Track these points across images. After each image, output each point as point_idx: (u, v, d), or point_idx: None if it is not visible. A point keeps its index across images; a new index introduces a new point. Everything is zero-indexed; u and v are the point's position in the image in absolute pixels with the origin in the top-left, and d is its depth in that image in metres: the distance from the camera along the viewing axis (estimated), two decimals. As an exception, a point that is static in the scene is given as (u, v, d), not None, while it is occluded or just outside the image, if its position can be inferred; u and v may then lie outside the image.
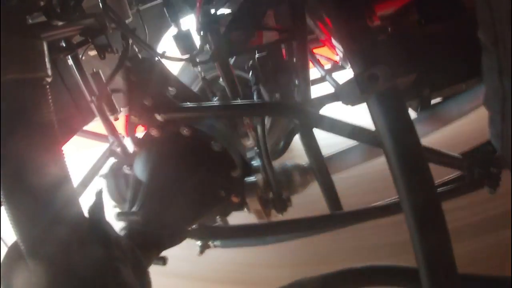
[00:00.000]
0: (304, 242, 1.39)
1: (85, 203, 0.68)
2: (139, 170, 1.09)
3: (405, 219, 0.59)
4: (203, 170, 1.05)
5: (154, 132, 1.07)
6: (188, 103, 1.10)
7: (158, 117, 1.04)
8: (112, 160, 1.76)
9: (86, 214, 0.65)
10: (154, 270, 0.79)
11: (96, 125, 1.85)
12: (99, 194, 0.68)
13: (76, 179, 1.48)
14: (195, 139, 1.06)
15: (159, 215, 0.93)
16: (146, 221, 0.88)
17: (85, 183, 1.69)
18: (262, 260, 1.91)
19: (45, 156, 0.58)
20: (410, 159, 0.58)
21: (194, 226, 1.10)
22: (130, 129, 1.12)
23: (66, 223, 0.58)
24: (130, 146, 1.42)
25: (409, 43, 1.36)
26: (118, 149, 1.74)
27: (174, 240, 0.95)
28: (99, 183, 1.25)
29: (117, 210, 1.14)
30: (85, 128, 1.84)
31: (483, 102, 0.91)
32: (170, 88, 1.10)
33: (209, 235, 1.09)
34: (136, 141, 1.12)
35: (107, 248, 0.64)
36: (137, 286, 0.66)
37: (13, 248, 0.58)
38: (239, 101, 1.23)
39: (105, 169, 1.26)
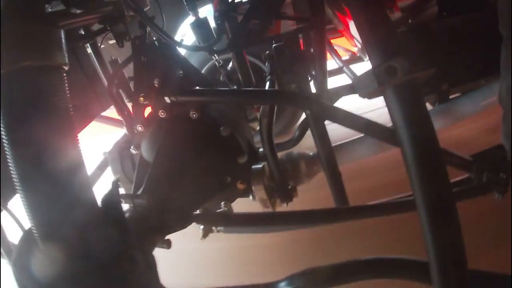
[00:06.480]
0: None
1: (101, 188, 0.68)
2: (146, 151, 1.08)
3: (418, 213, 0.58)
4: (210, 155, 1.05)
5: (161, 114, 1.06)
6: (198, 87, 1.08)
7: (167, 99, 1.04)
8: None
9: (100, 200, 0.65)
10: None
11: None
12: (115, 183, 0.68)
13: (92, 164, 1.50)
14: (203, 123, 1.06)
15: (164, 198, 0.91)
16: (151, 204, 0.86)
17: (102, 168, 1.72)
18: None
19: (60, 141, 0.59)
20: (427, 155, 0.57)
21: (198, 210, 1.07)
22: (137, 109, 1.12)
23: (81, 208, 0.59)
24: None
25: (429, 35, 1.33)
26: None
27: (179, 224, 0.93)
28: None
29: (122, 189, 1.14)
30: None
31: (498, 99, 0.88)
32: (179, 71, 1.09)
33: (215, 222, 1.08)
34: (143, 122, 1.11)
35: (123, 234, 0.65)
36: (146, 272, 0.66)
37: (28, 233, 0.59)
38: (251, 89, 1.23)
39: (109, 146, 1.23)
